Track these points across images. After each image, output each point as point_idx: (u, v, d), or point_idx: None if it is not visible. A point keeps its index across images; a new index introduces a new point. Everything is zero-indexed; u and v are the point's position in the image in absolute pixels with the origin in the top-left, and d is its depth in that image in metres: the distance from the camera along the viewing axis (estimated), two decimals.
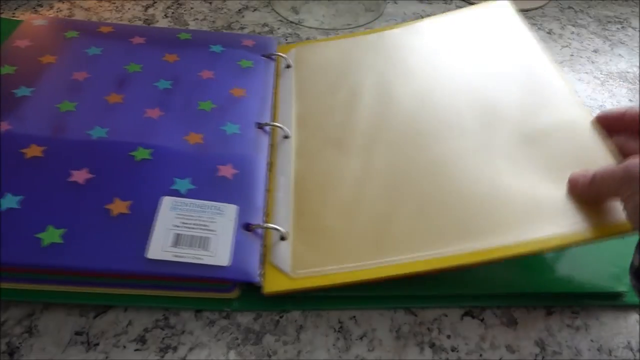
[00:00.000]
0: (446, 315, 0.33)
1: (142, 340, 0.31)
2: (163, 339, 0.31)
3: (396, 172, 0.37)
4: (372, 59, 0.49)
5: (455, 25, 0.50)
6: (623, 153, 0.35)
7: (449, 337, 0.32)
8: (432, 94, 0.44)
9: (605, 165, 0.32)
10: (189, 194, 0.34)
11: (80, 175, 0.34)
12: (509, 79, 0.43)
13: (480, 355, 0.32)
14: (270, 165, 0.39)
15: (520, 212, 0.33)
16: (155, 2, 0.60)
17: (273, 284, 0.32)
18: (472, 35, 0.49)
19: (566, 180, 0.34)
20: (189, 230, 0.32)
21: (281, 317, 0.32)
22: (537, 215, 0.33)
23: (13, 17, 0.54)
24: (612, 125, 0.36)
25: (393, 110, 0.43)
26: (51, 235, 0.30)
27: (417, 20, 0.53)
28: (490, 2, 0.51)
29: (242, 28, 0.58)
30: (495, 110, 0.41)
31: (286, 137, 0.41)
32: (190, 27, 0.57)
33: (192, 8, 0.60)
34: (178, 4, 0.61)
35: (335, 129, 0.42)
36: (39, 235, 0.30)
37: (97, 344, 0.30)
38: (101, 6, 0.58)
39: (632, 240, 0.37)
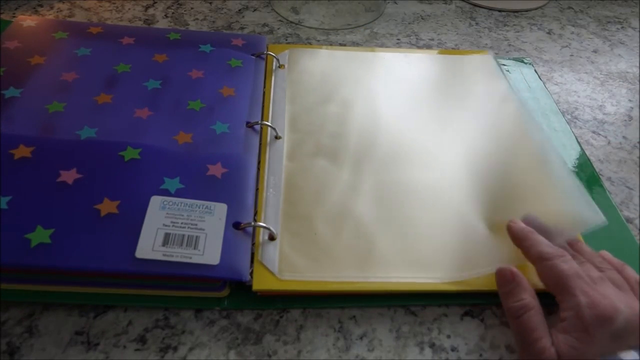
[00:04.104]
0: (446, 315, 0.33)
1: (142, 340, 0.31)
2: (163, 339, 0.31)
3: (383, 193, 0.39)
4: (364, 76, 0.50)
5: (444, 65, 0.53)
6: None
7: (449, 337, 0.32)
8: (416, 123, 0.45)
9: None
10: (179, 193, 0.34)
11: (69, 176, 0.34)
12: (486, 128, 0.46)
13: (480, 355, 0.32)
14: (260, 164, 0.39)
15: (479, 254, 0.36)
16: (155, 2, 0.60)
17: (261, 282, 0.32)
18: (458, 79, 0.51)
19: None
20: (179, 230, 0.32)
21: (281, 317, 0.32)
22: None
23: (13, 17, 0.54)
24: None
25: (381, 130, 0.44)
26: (40, 236, 0.30)
27: (409, 50, 0.55)
28: (476, 54, 0.55)
29: (242, 28, 0.58)
30: (471, 154, 0.43)
31: (277, 137, 0.42)
32: (190, 28, 0.57)
33: (192, 8, 0.60)
34: (178, 4, 0.61)
35: (328, 139, 0.42)
36: (28, 236, 0.30)
37: (97, 344, 0.30)
38: (101, 6, 0.58)
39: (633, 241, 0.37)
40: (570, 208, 0.37)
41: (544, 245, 0.32)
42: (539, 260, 0.32)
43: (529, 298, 0.31)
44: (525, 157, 0.43)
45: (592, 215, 0.36)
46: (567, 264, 0.31)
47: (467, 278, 0.34)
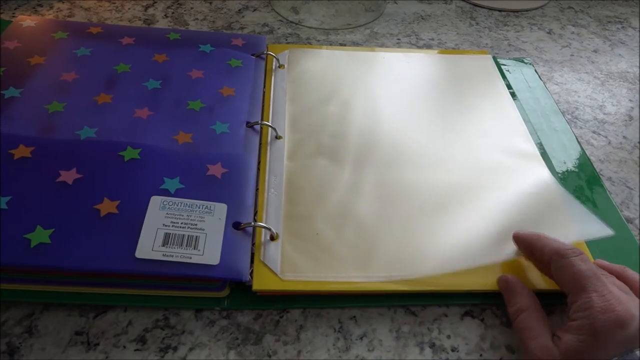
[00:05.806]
0: (446, 315, 0.33)
1: (142, 340, 0.30)
2: (163, 339, 0.31)
3: (384, 193, 0.39)
4: (364, 75, 0.50)
5: (444, 65, 0.53)
6: None
7: (449, 337, 0.32)
8: (416, 122, 0.46)
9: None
10: (178, 193, 0.34)
11: (68, 176, 0.34)
12: (485, 128, 0.46)
13: (480, 355, 0.32)
14: (261, 164, 0.39)
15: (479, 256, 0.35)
16: (155, 2, 0.60)
17: (262, 283, 0.32)
18: (458, 79, 0.51)
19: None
20: (179, 230, 0.32)
21: (281, 317, 0.32)
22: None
23: (13, 17, 0.54)
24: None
25: (381, 130, 0.44)
26: (40, 236, 0.30)
27: (409, 50, 0.56)
28: (477, 54, 0.55)
29: (242, 28, 0.58)
30: (471, 153, 0.43)
31: (278, 137, 0.42)
32: (190, 28, 0.57)
33: (192, 8, 0.60)
34: (178, 4, 0.61)
35: (329, 138, 0.43)
36: (28, 236, 0.30)
37: (97, 344, 0.30)
38: (101, 6, 0.58)
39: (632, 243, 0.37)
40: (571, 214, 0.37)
41: (559, 242, 0.32)
42: (556, 257, 0.31)
43: (522, 300, 0.32)
44: (523, 156, 0.43)
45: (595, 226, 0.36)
46: (586, 264, 0.30)
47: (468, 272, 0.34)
